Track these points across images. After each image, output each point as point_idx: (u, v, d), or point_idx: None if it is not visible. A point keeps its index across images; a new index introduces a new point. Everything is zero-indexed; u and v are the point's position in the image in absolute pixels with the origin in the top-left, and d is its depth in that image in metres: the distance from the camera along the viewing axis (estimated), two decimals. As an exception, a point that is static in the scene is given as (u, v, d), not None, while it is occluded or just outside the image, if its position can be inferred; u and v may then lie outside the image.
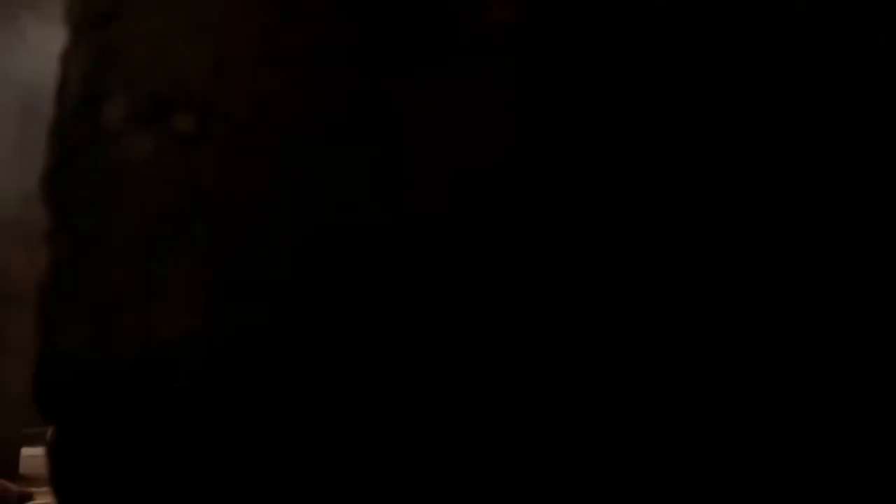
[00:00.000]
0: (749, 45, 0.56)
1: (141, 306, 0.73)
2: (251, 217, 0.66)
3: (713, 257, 0.62)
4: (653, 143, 0.58)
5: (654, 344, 0.63)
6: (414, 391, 0.61)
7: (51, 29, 4.98)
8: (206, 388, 0.72)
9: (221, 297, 0.69)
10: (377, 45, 0.60)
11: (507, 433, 0.63)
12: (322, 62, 0.61)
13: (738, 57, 0.56)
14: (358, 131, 0.62)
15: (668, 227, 0.62)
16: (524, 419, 0.63)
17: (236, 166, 0.65)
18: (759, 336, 0.63)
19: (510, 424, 0.63)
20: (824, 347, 0.61)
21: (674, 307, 0.63)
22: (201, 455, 0.72)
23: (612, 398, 0.63)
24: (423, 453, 0.63)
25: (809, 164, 0.60)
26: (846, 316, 0.61)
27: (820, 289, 0.62)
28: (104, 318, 0.74)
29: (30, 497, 3.47)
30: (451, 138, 0.61)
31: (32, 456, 4.90)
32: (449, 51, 0.60)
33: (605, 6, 0.58)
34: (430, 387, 0.62)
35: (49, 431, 0.78)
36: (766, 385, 0.63)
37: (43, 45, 4.92)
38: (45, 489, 3.80)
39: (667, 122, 0.58)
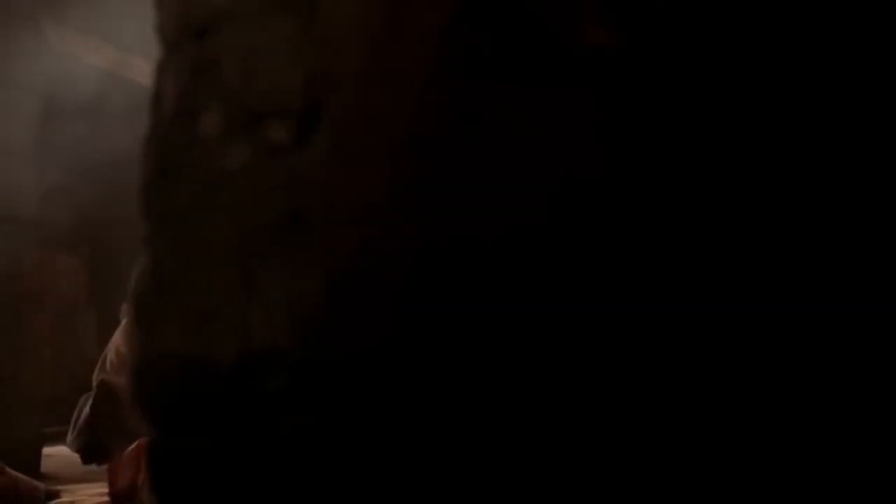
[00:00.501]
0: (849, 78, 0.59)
1: (239, 310, 0.76)
2: (357, 225, 0.69)
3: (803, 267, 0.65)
4: (743, 171, 0.61)
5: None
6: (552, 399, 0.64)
7: (70, 33, 5.02)
8: (303, 389, 0.75)
9: (324, 301, 0.72)
10: (481, 62, 0.64)
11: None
12: (429, 76, 0.64)
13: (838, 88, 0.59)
14: (459, 143, 0.65)
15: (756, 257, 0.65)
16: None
17: (341, 176, 0.68)
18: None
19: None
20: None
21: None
22: (295, 452, 0.75)
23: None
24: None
25: None
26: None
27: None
28: (203, 322, 0.77)
29: (56, 495, 3.51)
30: (546, 153, 0.64)
31: (52, 455, 4.94)
32: (548, 70, 0.63)
33: (699, 37, 0.61)
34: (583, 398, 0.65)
35: (148, 431, 0.81)
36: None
37: (62, 49, 4.96)
38: (67, 487, 3.84)
39: (756, 151, 0.61)
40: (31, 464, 4.18)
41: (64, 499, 3.58)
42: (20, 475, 3.61)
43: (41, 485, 3.51)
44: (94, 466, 4.95)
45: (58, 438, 5.30)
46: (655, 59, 0.62)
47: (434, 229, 0.66)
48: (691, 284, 0.64)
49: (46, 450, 4.91)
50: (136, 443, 3.67)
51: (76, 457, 5.05)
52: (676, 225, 0.64)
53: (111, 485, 3.66)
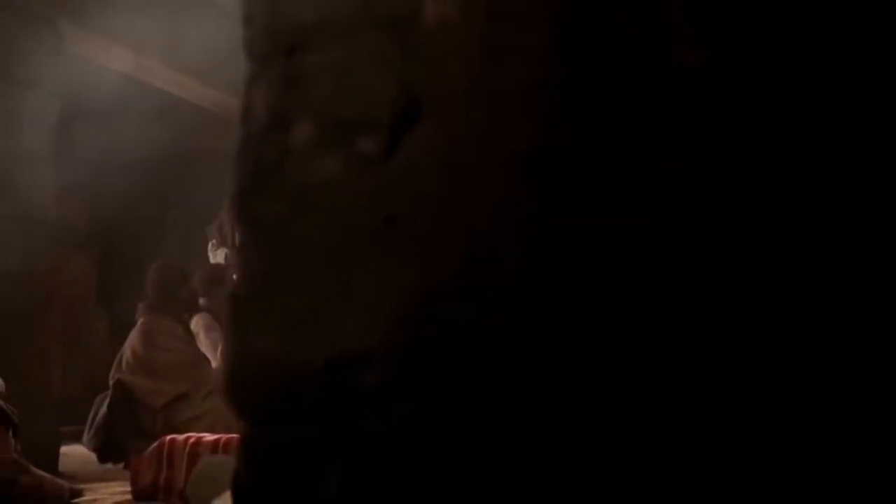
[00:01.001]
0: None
1: (332, 312, 0.80)
2: (451, 232, 0.73)
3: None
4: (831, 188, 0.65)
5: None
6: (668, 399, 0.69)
7: (87, 35, 5.07)
8: (394, 387, 0.79)
9: (415, 303, 0.76)
10: (579, 79, 0.68)
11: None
12: (530, 93, 0.68)
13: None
14: (557, 157, 0.69)
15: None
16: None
17: (439, 186, 0.72)
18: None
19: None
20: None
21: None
22: (384, 448, 0.79)
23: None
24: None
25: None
26: None
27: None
28: (297, 323, 0.81)
29: (80, 493, 3.55)
30: (639, 165, 0.68)
31: (67, 454, 4.98)
32: (641, 86, 0.67)
33: (784, 55, 0.65)
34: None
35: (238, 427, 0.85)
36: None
37: (81, 52, 5.01)
38: (87, 486, 3.87)
39: (843, 170, 0.65)
40: (50, 462, 4.22)
41: (87, 497, 3.62)
42: (45, 474, 3.65)
43: (65, 483, 3.55)
44: (109, 465, 5.00)
45: (70, 438, 5.35)
46: (741, 75, 0.67)
47: (529, 238, 0.70)
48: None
49: (65, 448, 4.95)
50: (158, 441, 3.72)
51: (91, 456, 5.10)
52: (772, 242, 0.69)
53: (133, 483, 3.70)
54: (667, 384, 0.68)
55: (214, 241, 5.48)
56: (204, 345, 5.31)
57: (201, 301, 5.42)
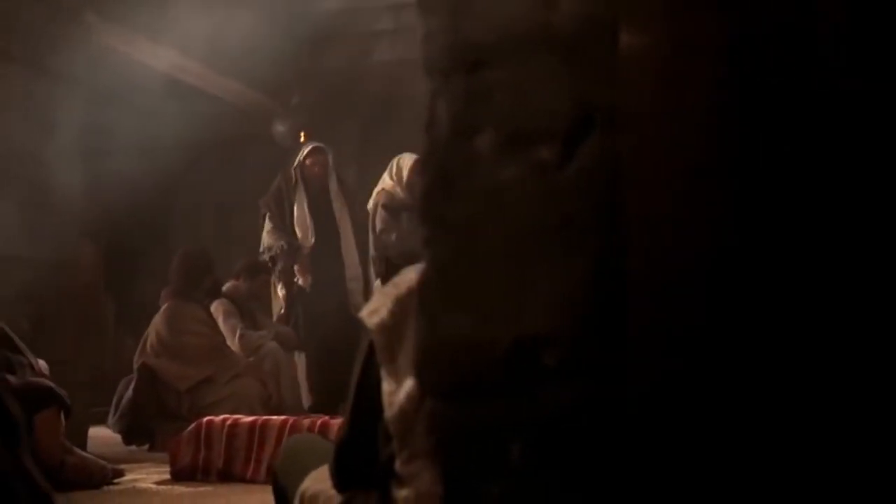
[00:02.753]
0: None
1: (515, 299, 0.91)
2: (631, 231, 0.84)
3: None
4: None
5: None
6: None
7: (113, 28, 5.14)
8: (569, 366, 0.90)
9: (589, 292, 0.87)
10: (750, 104, 0.79)
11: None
12: (710, 116, 0.79)
13: None
14: (737, 169, 0.80)
15: None
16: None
17: (634, 191, 0.83)
18: None
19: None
20: None
21: None
22: (560, 419, 0.90)
23: None
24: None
25: None
26: None
27: None
28: (483, 310, 0.92)
29: (121, 473, 3.65)
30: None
31: (93, 436, 5.08)
32: (805, 109, 0.79)
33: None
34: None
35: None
36: None
37: (106, 44, 5.08)
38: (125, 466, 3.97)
39: None
40: (80, 445, 4.31)
41: (128, 477, 3.73)
42: (87, 454, 3.75)
43: (107, 464, 3.65)
44: (133, 447, 5.11)
45: (103, 419, 5.44)
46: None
47: (708, 237, 0.81)
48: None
49: (93, 430, 5.05)
50: (195, 423, 3.82)
51: (114, 437, 5.20)
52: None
53: (172, 464, 3.81)
54: (836, 359, 0.80)
55: (268, 213, 5.53)
56: (223, 330, 5.40)
57: (240, 284, 5.47)
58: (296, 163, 5.66)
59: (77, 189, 4.71)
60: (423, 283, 0.94)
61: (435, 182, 0.95)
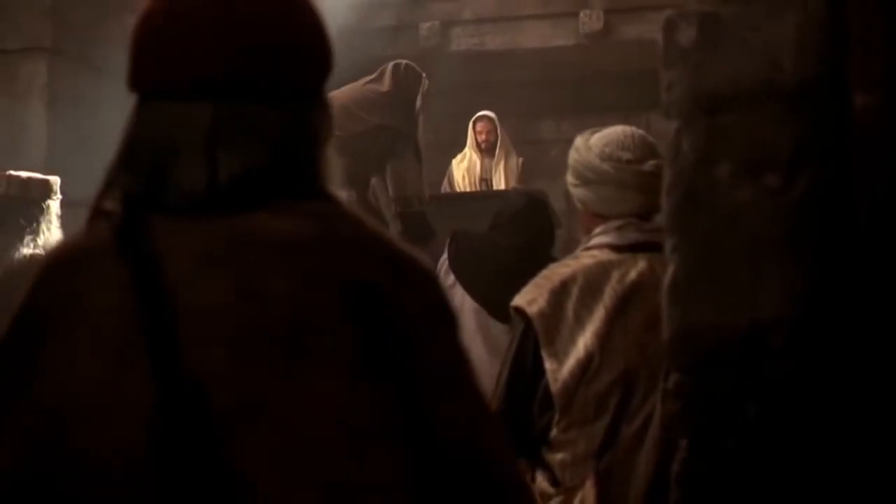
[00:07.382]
0: None
1: (749, 293, 1.18)
2: (835, 242, 1.12)
3: None
4: None
5: None
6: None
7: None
8: (794, 345, 1.17)
9: (813, 285, 1.14)
10: None
11: None
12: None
13: None
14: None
15: None
16: None
17: (822, 208, 1.10)
18: None
19: None
20: None
21: None
22: (785, 390, 1.17)
23: None
24: None
25: None
26: None
27: None
28: (724, 302, 1.19)
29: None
30: None
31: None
32: None
33: None
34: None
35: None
36: None
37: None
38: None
39: None
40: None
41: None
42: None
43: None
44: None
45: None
46: None
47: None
48: None
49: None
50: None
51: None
52: None
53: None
54: None
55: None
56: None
57: None
58: None
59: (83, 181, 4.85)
60: (672, 281, 1.20)
61: (679, 201, 1.21)
